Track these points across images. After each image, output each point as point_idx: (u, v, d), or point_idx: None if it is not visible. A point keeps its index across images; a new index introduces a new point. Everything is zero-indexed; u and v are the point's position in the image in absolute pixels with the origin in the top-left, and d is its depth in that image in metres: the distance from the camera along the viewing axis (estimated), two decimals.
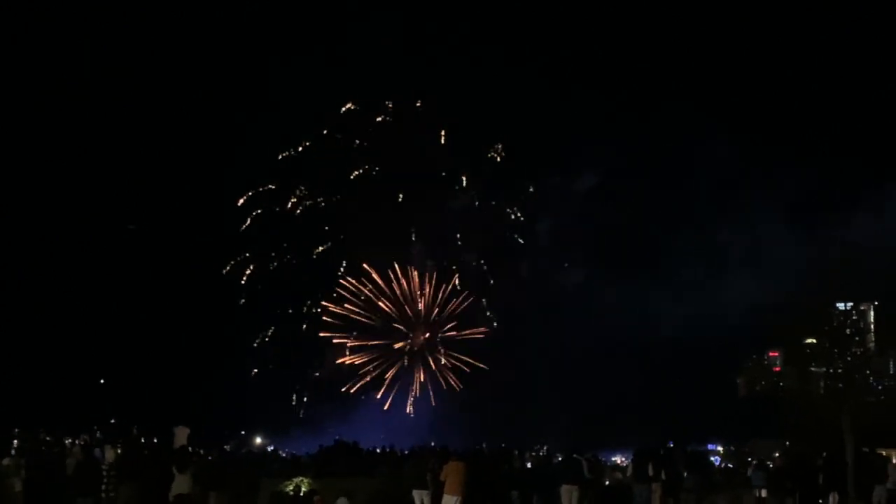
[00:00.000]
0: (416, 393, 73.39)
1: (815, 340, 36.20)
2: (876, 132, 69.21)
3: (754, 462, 40.03)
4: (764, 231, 60.69)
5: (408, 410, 72.57)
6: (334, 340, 71.74)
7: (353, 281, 72.23)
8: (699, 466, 34.19)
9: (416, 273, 73.47)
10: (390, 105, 71.83)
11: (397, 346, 73.78)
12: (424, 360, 74.21)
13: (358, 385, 72.26)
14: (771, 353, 72.15)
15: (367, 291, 72.55)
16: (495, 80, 71.94)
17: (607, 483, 31.50)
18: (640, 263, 71.36)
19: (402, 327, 73.88)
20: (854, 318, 37.76)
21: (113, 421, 65.56)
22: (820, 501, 31.95)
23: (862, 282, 35.61)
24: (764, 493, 32.35)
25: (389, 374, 73.26)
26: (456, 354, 73.70)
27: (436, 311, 73.99)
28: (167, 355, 67.75)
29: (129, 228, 70.67)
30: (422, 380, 74.04)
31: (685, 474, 32.50)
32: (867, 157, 67.37)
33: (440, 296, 73.85)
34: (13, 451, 29.60)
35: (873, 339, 38.28)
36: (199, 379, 67.13)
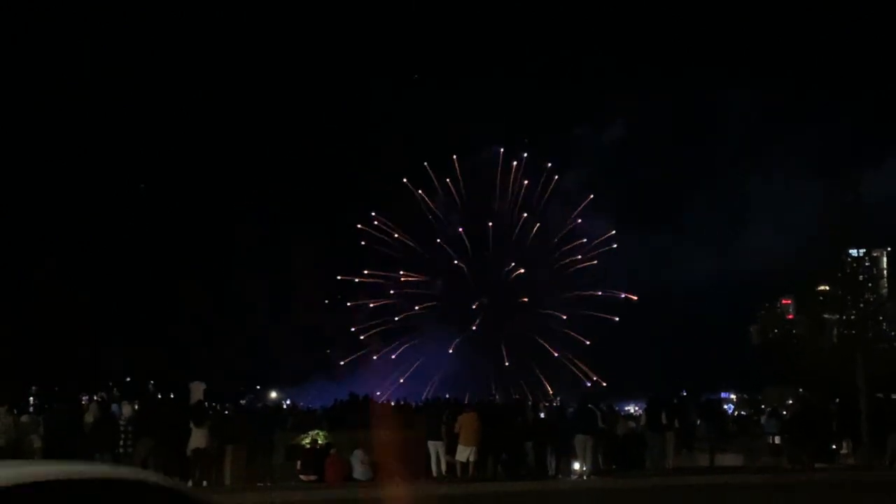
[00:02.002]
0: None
1: (827, 288, 36.11)
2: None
3: (768, 410, 40.13)
4: (777, 181, 60.54)
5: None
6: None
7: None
8: (712, 415, 34.24)
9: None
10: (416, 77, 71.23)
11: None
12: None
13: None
14: (783, 301, 72.18)
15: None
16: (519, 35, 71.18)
17: (621, 433, 31.59)
18: (654, 215, 71.35)
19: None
20: (867, 264, 37.67)
21: (129, 380, 66.06)
22: (833, 448, 32.10)
23: (874, 228, 35.50)
24: (777, 441, 32.45)
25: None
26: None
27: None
28: (183, 311, 68.00)
29: (139, 187, 70.71)
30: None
31: (698, 423, 32.59)
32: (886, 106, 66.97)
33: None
34: (31, 409, 29.90)
35: (886, 285, 38.24)
36: (214, 334, 67.43)
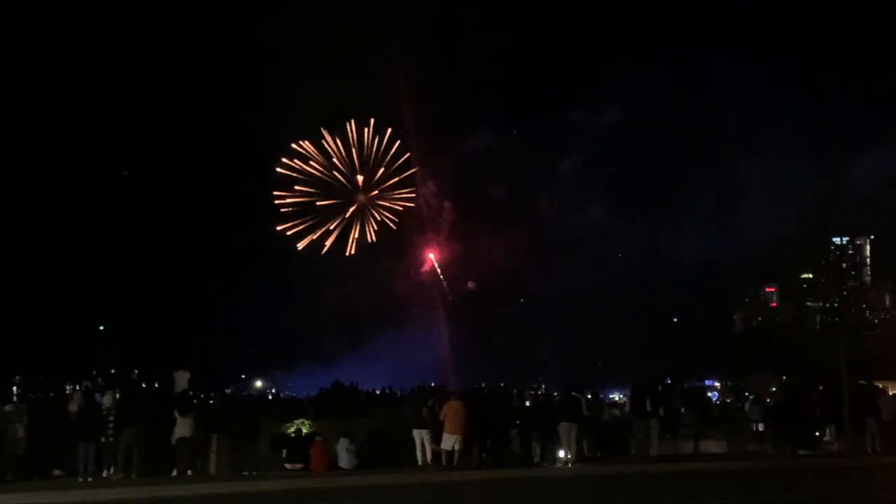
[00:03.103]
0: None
1: (811, 275, 36.30)
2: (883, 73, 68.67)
3: (751, 397, 40.32)
4: (769, 167, 60.53)
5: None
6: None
7: None
8: (696, 402, 34.45)
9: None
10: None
11: None
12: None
13: None
14: (767, 289, 72.54)
15: None
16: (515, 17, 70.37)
17: (605, 420, 31.72)
18: (643, 200, 71.37)
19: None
20: (850, 252, 37.86)
21: (113, 371, 65.83)
22: (817, 434, 32.28)
23: (858, 216, 35.63)
24: (761, 427, 32.62)
25: None
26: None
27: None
28: (166, 300, 67.88)
29: (123, 174, 70.35)
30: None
31: (682, 410, 32.73)
32: (874, 96, 66.98)
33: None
34: (15, 398, 29.78)
35: (869, 272, 38.45)
36: (198, 323, 67.31)
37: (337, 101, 67.03)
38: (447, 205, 73.14)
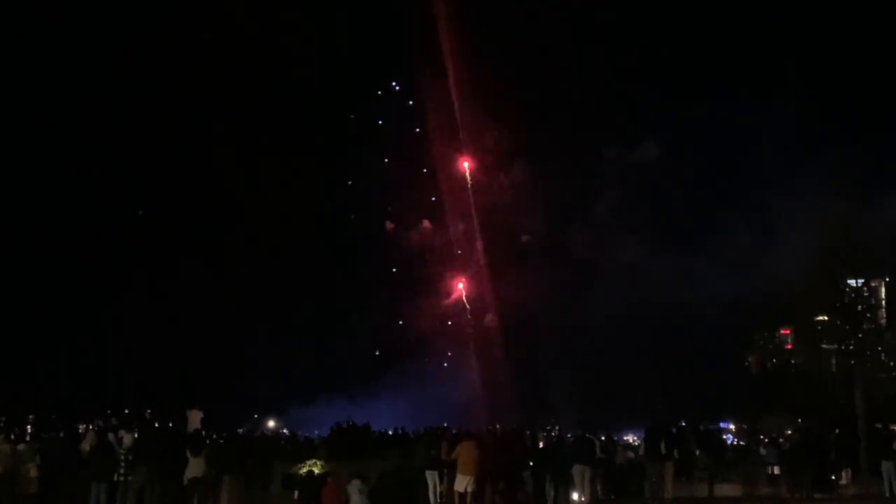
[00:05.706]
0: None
1: (826, 317, 36.12)
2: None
3: (766, 440, 40.03)
4: (777, 212, 60.47)
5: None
6: None
7: None
8: (711, 444, 34.20)
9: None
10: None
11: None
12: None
13: None
14: (782, 331, 72.04)
15: None
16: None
17: (620, 462, 31.53)
18: (665, 242, 71.23)
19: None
20: (865, 294, 37.65)
21: (127, 411, 65.71)
22: (833, 478, 32.03)
23: (873, 258, 35.51)
24: (777, 470, 32.38)
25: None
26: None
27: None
28: (180, 339, 67.75)
29: (137, 213, 70.53)
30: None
31: (697, 452, 32.52)
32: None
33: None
34: (28, 437, 29.85)
35: (884, 315, 38.27)
36: (212, 362, 67.13)
37: None
38: (478, 243, 72.99)
